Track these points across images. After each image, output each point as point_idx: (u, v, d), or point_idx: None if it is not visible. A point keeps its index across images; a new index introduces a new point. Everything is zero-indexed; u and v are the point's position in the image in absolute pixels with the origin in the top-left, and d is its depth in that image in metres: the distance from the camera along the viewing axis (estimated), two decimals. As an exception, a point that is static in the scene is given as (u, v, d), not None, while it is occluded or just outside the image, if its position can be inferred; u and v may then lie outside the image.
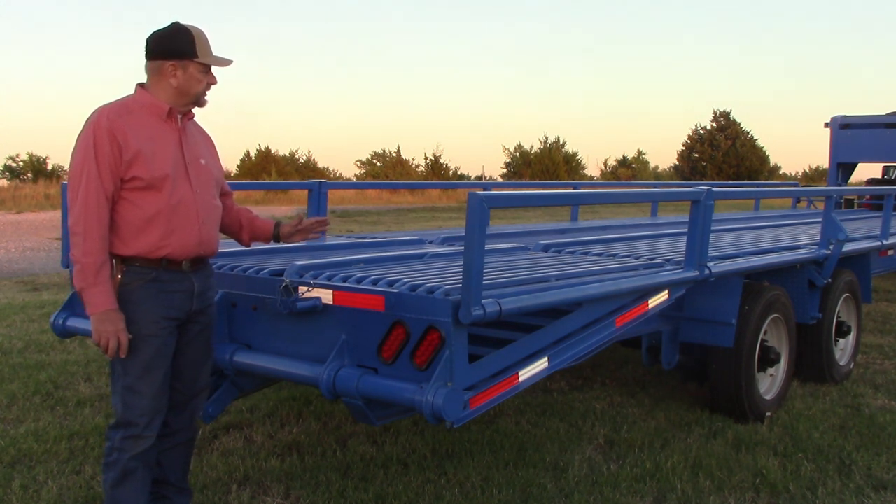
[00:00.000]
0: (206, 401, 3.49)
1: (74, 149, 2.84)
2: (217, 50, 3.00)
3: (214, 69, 3.01)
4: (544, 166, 50.48)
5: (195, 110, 3.07)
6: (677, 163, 53.91)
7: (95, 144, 2.78)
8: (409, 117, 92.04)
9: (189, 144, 2.99)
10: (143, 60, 2.97)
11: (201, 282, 3.05)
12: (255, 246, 4.42)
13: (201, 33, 2.95)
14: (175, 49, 2.90)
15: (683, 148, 53.27)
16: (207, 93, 3.02)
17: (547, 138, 54.06)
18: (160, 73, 2.92)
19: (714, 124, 52.21)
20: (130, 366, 2.89)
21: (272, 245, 4.10)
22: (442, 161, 49.03)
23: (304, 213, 3.50)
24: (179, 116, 2.97)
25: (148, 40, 2.94)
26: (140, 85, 2.97)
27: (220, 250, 3.21)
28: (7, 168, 52.04)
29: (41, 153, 57.42)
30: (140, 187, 2.83)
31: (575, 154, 54.53)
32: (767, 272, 4.98)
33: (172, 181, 2.87)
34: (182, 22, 2.95)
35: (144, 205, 2.85)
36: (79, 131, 2.86)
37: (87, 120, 2.85)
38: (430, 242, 5.21)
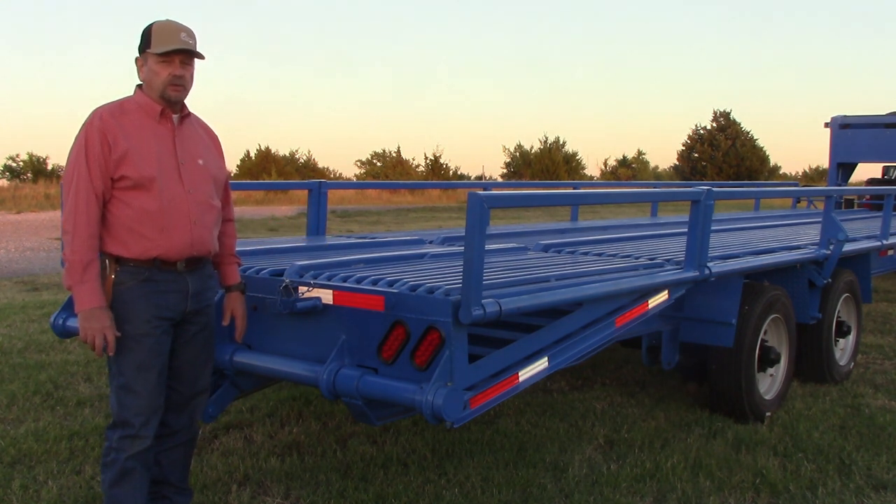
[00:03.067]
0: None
1: (70, 148, 2.87)
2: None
3: (199, 64, 2.99)
4: (544, 166, 50.47)
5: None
6: (677, 163, 53.90)
7: (87, 144, 2.81)
8: (409, 117, 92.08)
9: (184, 144, 2.98)
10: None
11: (197, 282, 3.03)
12: (255, 246, 4.44)
13: (168, 25, 2.91)
14: (140, 44, 2.93)
15: (683, 148, 53.26)
16: (177, 87, 2.90)
17: (547, 138, 54.14)
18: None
19: (714, 124, 52.20)
20: (125, 365, 2.89)
21: (272, 245, 4.10)
22: (442, 161, 49.05)
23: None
24: (175, 117, 2.97)
25: None
26: (139, 86, 2.98)
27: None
28: (7, 168, 52.07)
29: (41, 153, 57.36)
30: (129, 187, 2.84)
31: (575, 154, 54.56)
32: (767, 272, 4.98)
33: (161, 182, 2.87)
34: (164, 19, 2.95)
35: (135, 204, 2.85)
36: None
37: (85, 120, 2.87)
38: (430, 242, 5.21)
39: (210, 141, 3.16)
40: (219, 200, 3.13)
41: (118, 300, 2.86)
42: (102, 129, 2.81)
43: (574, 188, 10.88)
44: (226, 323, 3.25)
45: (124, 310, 2.87)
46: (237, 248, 4.05)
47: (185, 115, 3.03)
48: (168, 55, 2.88)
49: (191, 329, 3.07)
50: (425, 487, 3.80)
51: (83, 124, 2.86)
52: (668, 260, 4.28)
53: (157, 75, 2.90)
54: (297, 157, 52.22)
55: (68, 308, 4.12)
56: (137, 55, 2.95)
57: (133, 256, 2.87)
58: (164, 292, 2.93)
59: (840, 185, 11.17)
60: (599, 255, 4.52)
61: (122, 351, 2.86)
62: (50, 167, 50.98)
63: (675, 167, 54.57)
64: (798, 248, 5.40)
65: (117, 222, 2.86)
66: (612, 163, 60.52)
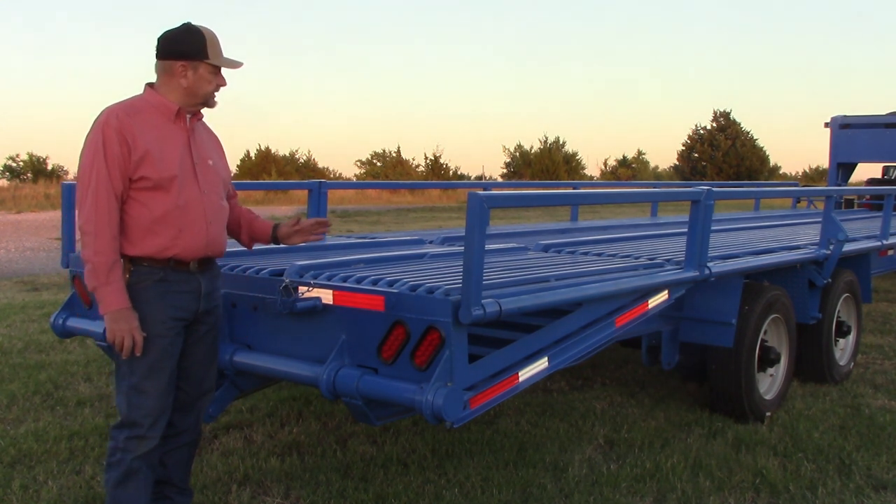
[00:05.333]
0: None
1: (83, 148, 2.84)
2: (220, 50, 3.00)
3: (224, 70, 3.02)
4: (544, 166, 50.46)
5: (203, 111, 3.07)
6: (677, 163, 53.91)
7: (105, 144, 2.78)
8: (409, 117, 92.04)
9: (197, 145, 2.99)
10: (150, 60, 2.98)
11: (208, 282, 3.05)
12: (255, 246, 4.43)
13: (213, 34, 2.95)
14: (186, 50, 2.90)
15: (683, 148, 53.28)
16: (217, 94, 3.01)
17: (547, 138, 54.12)
18: (171, 73, 2.92)
19: (714, 124, 52.21)
20: (136, 366, 2.89)
21: (272, 245, 4.09)
22: (442, 161, 49.05)
23: (303, 213, 3.49)
24: (188, 117, 2.97)
25: (159, 40, 2.93)
26: (149, 85, 2.97)
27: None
28: (7, 168, 52.12)
29: (41, 153, 57.56)
30: (148, 187, 2.84)
31: (575, 154, 54.56)
32: (767, 272, 4.98)
33: (180, 182, 2.88)
34: (194, 23, 2.95)
35: (152, 205, 2.85)
36: (83, 132, 2.87)
37: (96, 120, 2.85)
38: (430, 242, 5.21)
39: (214, 142, 3.17)
40: (226, 201, 3.15)
41: (133, 301, 2.85)
42: (120, 129, 2.79)
43: (574, 188, 10.88)
44: (315, 230, 3.35)
45: (139, 310, 2.86)
46: (236, 248, 4.07)
47: (199, 117, 3.05)
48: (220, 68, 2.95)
49: (201, 329, 3.08)
50: (425, 487, 3.80)
51: (96, 123, 2.83)
52: (668, 260, 4.28)
53: (208, 84, 2.94)
54: (297, 157, 52.24)
55: (68, 308, 4.12)
56: (183, 61, 2.89)
57: (148, 256, 2.87)
58: (178, 292, 2.94)
59: (840, 185, 11.17)
60: (599, 255, 4.52)
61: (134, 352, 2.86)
62: (50, 167, 51.06)
63: (675, 167, 54.57)
64: (798, 248, 5.40)
65: (133, 223, 2.85)
66: (612, 163, 60.56)
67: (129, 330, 2.80)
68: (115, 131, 2.79)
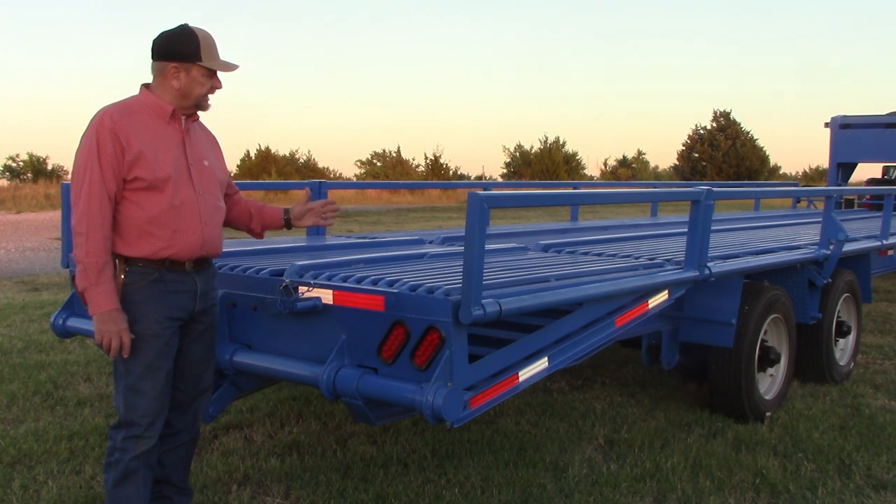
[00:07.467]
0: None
1: (78, 148, 2.84)
2: (219, 50, 2.99)
3: (220, 73, 3.01)
4: (544, 166, 50.46)
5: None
6: (677, 163, 53.93)
7: (98, 144, 2.78)
8: (409, 117, 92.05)
9: (192, 146, 2.99)
10: (146, 61, 2.97)
11: (204, 282, 3.05)
12: (255, 246, 4.44)
13: (208, 37, 2.94)
14: (179, 51, 2.89)
15: (683, 148, 53.30)
16: (211, 97, 3.00)
17: (547, 138, 54.07)
18: (163, 74, 2.92)
19: (714, 124, 52.22)
20: (133, 366, 2.89)
21: (272, 245, 4.09)
22: (442, 161, 49.02)
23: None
24: (183, 118, 2.97)
25: (154, 41, 2.93)
26: (145, 85, 2.97)
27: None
28: (7, 168, 52.11)
29: (41, 153, 57.57)
30: (142, 188, 2.83)
31: (575, 154, 54.52)
32: (767, 272, 4.98)
33: (174, 182, 2.87)
34: (190, 24, 2.95)
35: (147, 206, 2.85)
36: (81, 131, 2.87)
37: (91, 120, 2.85)
38: (430, 242, 5.21)
39: (210, 142, 3.17)
40: (223, 202, 3.15)
41: (128, 301, 2.86)
42: (114, 129, 2.79)
43: (574, 188, 10.88)
44: (326, 213, 3.39)
45: (134, 310, 2.86)
46: (236, 248, 4.07)
47: (195, 118, 3.04)
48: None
49: (197, 328, 3.08)
50: (425, 487, 3.80)
51: (91, 124, 2.83)
52: (668, 260, 4.28)
53: (200, 86, 2.93)
54: (297, 157, 52.21)
55: (68, 308, 4.12)
56: (175, 62, 2.89)
57: (143, 257, 2.87)
58: (174, 292, 2.94)
59: (840, 185, 11.17)
60: (599, 255, 4.52)
61: (131, 351, 2.86)
62: (50, 167, 51.04)
63: (675, 167, 54.60)
64: (798, 248, 5.40)
65: (127, 223, 2.85)
66: (612, 163, 60.60)
67: (117, 331, 2.80)
68: (108, 132, 2.79)
